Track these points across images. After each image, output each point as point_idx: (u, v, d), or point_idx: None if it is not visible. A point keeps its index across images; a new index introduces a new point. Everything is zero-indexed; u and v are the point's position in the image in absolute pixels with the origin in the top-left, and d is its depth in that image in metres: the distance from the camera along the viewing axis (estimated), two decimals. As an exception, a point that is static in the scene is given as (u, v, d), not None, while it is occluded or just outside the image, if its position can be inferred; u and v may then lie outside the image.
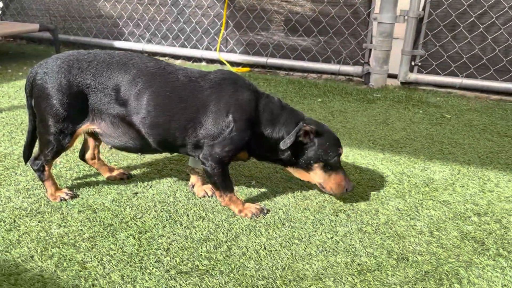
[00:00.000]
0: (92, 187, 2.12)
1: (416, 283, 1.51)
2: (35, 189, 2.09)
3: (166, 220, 1.87)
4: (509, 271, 1.57)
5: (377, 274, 1.55)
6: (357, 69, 4.10)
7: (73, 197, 2.01)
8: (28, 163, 2.04)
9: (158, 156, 2.49)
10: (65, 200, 1.99)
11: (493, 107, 3.51)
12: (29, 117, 1.98)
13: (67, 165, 2.35)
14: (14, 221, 1.82)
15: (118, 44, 5.25)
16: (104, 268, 1.55)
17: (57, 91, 1.79)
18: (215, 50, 4.80)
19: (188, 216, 1.90)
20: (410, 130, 3.00)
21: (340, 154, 1.92)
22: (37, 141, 1.97)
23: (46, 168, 1.95)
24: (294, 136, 1.78)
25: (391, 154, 2.57)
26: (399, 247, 1.70)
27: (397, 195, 2.09)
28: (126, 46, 5.22)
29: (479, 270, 1.58)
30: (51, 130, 1.84)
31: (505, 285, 1.50)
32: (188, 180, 2.20)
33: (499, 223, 1.87)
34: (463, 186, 2.19)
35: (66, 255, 1.61)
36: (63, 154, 2.36)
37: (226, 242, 1.72)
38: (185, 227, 1.82)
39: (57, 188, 2.02)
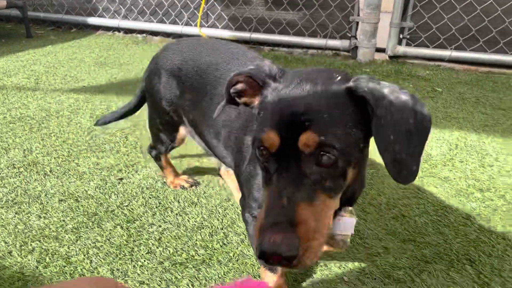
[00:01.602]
0: (72, 174, 1.97)
1: (426, 266, 1.43)
2: (10, 178, 1.92)
3: (156, 207, 1.74)
4: (519, 249, 1.51)
5: (384, 257, 1.47)
6: (344, 43, 3.97)
7: (193, 185, 1.88)
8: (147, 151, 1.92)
9: (142, 138, 2.33)
10: (185, 188, 1.86)
11: (483, 79, 3.45)
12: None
13: (43, 150, 2.18)
14: (-12, 213, 1.67)
15: (91, 20, 4.98)
16: (91, 262, 1.42)
17: None
18: (196, 25, 4.59)
19: (179, 202, 1.77)
20: (403, 104, 2.91)
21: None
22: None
23: (163, 157, 1.85)
24: None
25: (386, 130, 2.48)
26: (404, 228, 1.62)
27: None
28: (100, 22, 4.95)
29: (489, 249, 1.51)
30: None
31: (517, 264, 1.43)
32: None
33: (503, 199, 1.81)
34: (462, 161, 2.12)
35: (48, 249, 1.48)
36: (54, 139, 2.19)
37: (222, 229, 1.61)
38: (176, 214, 1.69)
39: (177, 175, 1.89)
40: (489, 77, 3.50)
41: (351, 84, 0.80)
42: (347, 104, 0.79)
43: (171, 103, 1.56)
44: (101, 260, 1.43)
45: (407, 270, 1.41)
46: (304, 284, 1.36)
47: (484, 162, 2.11)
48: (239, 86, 0.94)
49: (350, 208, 1.11)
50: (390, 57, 3.93)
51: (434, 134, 2.42)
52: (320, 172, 0.76)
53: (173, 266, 1.41)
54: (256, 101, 0.91)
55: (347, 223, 1.05)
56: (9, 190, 1.83)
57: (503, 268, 1.42)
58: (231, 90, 0.95)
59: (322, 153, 0.75)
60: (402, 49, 3.83)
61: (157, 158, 1.86)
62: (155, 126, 1.70)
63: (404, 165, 0.75)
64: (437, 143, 2.32)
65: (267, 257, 0.67)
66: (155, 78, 1.60)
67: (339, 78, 0.83)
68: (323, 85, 0.80)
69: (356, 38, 3.96)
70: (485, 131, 2.48)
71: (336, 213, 1.06)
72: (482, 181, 1.95)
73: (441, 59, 3.77)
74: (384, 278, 1.37)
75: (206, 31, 4.51)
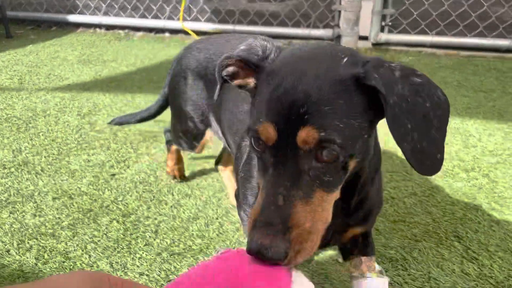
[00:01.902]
0: (64, 172, 1.97)
1: (416, 244, 1.48)
2: (1, 178, 1.92)
3: (150, 200, 1.76)
4: (504, 224, 1.57)
5: (376, 238, 1.51)
6: (328, 32, 4.01)
7: (179, 180, 1.89)
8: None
9: (131, 134, 2.34)
10: (176, 179, 1.89)
11: (464, 63, 3.53)
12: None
13: (33, 150, 2.18)
14: (-18, 214, 1.67)
15: (72, 18, 4.91)
16: (89, 256, 1.44)
17: None
18: (178, 19, 4.58)
19: (173, 194, 1.80)
20: (387, 91, 2.97)
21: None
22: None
23: (174, 147, 1.84)
24: None
25: (372, 116, 2.53)
26: (394, 209, 1.67)
27: (384, 158, 2.05)
28: (81, 20, 4.90)
29: (475, 225, 1.57)
30: None
31: (502, 239, 1.50)
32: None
33: (487, 178, 1.87)
34: (447, 144, 2.17)
35: (46, 246, 1.49)
36: (42, 138, 2.19)
37: (217, 218, 1.64)
38: (171, 207, 1.72)
39: (179, 163, 1.89)
40: (470, 61, 3.58)
41: (359, 70, 0.71)
42: (353, 92, 0.70)
43: (197, 106, 1.49)
44: (99, 254, 1.45)
45: (399, 249, 1.46)
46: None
47: (468, 143, 2.18)
48: (230, 69, 0.87)
49: (378, 267, 1.08)
50: (373, 44, 3.98)
51: (419, 118, 2.48)
52: (320, 167, 0.69)
53: (171, 256, 1.44)
54: (251, 82, 0.83)
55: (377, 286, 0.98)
56: (2, 190, 1.83)
57: (490, 243, 1.48)
58: (223, 73, 0.88)
59: (322, 148, 0.69)
60: (384, 36, 3.89)
61: (168, 144, 1.86)
62: (176, 132, 1.66)
63: (426, 154, 0.69)
64: (422, 126, 2.38)
65: (255, 256, 0.64)
66: (180, 80, 1.52)
67: (345, 60, 0.73)
68: (326, 69, 0.71)
69: (339, 27, 4.00)
70: (467, 113, 2.55)
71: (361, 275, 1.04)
72: (467, 161, 2.01)
73: (423, 45, 3.84)
74: (377, 258, 1.42)
75: (189, 25, 4.50)
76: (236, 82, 0.88)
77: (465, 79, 3.14)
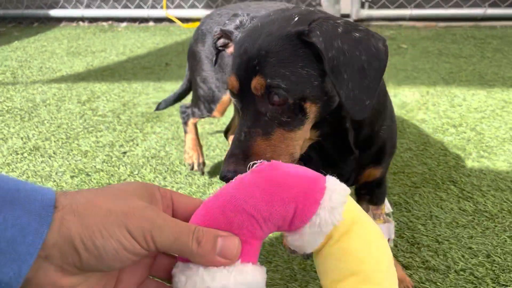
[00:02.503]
0: (76, 153, 2.05)
1: (416, 190, 1.62)
2: (17, 163, 1.98)
3: (165, 172, 1.86)
4: (493, 168, 1.73)
5: (380, 188, 1.65)
6: (310, 12, 4.11)
7: (199, 171, 1.83)
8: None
9: (133, 116, 2.42)
10: (192, 168, 1.83)
11: (442, 33, 3.69)
12: None
13: (41, 136, 2.24)
14: (6, 195, 1.74)
15: (54, 12, 4.90)
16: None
17: None
18: (162, 7, 4.62)
19: (185, 165, 1.90)
20: (373, 62, 3.10)
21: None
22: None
23: (191, 121, 1.82)
24: None
25: (362, 86, 2.66)
26: (393, 163, 1.81)
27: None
28: (63, 14, 4.89)
29: (467, 171, 1.72)
30: None
31: (492, 180, 1.65)
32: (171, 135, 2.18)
33: (474, 131, 2.03)
34: (434, 105, 2.33)
35: (73, 218, 1.58)
36: (48, 125, 2.25)
37: (231, 182, 1.75)
38: (186, 176, 1.82)
39: (197, 148, 1.84)
40: (448, 31, 3.74)
41: (304, 28, 0.80)
42: (298, 46, 0.80)
43: (214, 70, 1.55)
44: (126, 221, 1.55)
45: (401, 195, 1.60)
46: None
47: (454, 103, 2.33)
48: (221, 41, 1.06)
49: (388, 209, 1.20)
50: (355, 21, 4.11)
51: (406, 84, 2.63)
52: (275, 109, 0.81)
53: (194, 217, 1.55)
54: None
55: (383, 231, 1.08)
56: (19, 173, 1.90)
57: (482, 184, 1.63)
58: (218, 44, 1.06)
59: (270, 92, 0.80)
60: (365, 12, 4.02)
61: (185, 122, 1.83)
62: (196, 93, 1.68)
63: (357, 100, 0.77)
64: (410, 91, 2.52)
65: (224, 181, 0.76)
66: (199, 43, 1.59)
67: (296, 19, 0.83)
68: (277, 29, 0.83)
69: (321, 5, 4.11)
70: (451, 77, 2.70)
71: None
72: (454, 118, 2.16)
73: (402, 18, 3.99)
74: (383, 203, 1.56)
75: (173, 12, 4.55)
76: (228, 50, 1.05)
77: (445, 48, 3.30)
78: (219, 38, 1.06)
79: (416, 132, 2.06)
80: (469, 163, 1.77)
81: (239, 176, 0.61)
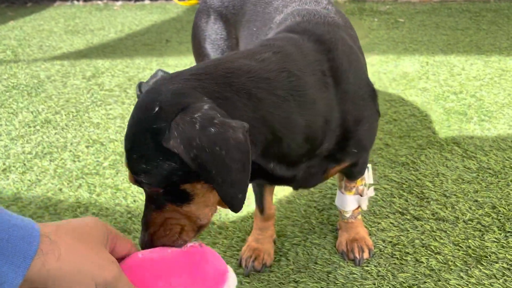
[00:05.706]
0: (88, 125, 2.09)
1: (422, 151, 1.70)
2: (30, 135, 2.02)
3: (178, 140, 1.91)
4: (494, 131, 1.81)
5: (387, 150, 1.73)
6: (307, -12, 4.13)
7: None
8: None
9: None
10: None
11: (438, 8, 3.74)
12: None
13: (51, 110, 2.28)
14: (24, 164, 1.79)
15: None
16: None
17: None
18: (158, -14, 4.60)
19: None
20: (372, 36, 3.16)
21: None
22: None
23: None
24: None
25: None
26: (398, 128, 1.89)
27: (381, 88, 2.26)
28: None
29: (469, 133, 1.80)
30: None
31: (494, 140, 1.73)
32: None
33: (474, 97, 2.11)
34: (434, 74, 2.40)
35: (94, 183, 1.63)
36: (56, 100, 2.28)
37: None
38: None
39: None
40: (443, 5, 3.80)
41: (162, 127, 0.75)
42: (158, 140, 0.75)
43: (216, 45, 1.52)
44: (145, 185, 1.61)
45: (408, 156, 1.68)
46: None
47: (453, 72, 2.40)
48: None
49: (362, 184, 1.25)
50: (352, -4, 4.14)
51: (406, 56, 2.69)
52: (158, 194, 0.81)
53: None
54: None
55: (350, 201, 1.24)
56: (34, 144, 1.94)
57: (484, 144, 1.71)
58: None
59: (142, 185, 0.81)
60: (362, -13, 4.05)
61: None
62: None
63: (229, 195, 0.76)
64: (410, 62, 2.59)
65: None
66: (202, 18, 1.55)
67: (155, 111, 0.76)
68: (138, 121, 0.79)
69: (318, -18, 4.13)
70: (449, 48, 2.77)
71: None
72: (455, 86, 2.24)
73: (398, -6, 4.03)
74: (391, 163, 1.64)
75: (170, -9, 4.54)
76: None
77: (441, 21, 3.36)
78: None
79: (418, 100, 2.13)
80: (471, 126, 1.85)
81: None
